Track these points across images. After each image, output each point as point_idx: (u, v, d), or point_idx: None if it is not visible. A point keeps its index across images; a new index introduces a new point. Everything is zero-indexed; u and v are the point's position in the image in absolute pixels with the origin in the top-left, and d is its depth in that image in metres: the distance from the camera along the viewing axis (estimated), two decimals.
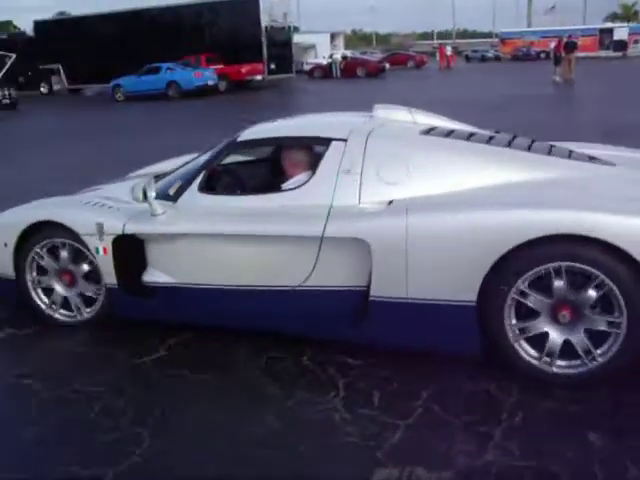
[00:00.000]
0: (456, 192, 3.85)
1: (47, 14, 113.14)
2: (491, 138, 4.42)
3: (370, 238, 3.64)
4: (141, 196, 4.43)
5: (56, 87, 39.51)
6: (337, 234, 3.78)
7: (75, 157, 12.90)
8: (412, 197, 3.83)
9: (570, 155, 4.34)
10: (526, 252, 3.40)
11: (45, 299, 4.71)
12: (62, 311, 4.67)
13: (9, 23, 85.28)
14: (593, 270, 3.31)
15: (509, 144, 4.33)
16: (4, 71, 30.29)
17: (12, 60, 30.67)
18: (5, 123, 22.29)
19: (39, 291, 4.72)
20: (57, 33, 38.62)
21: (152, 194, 4.28)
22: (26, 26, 56.87)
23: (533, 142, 4.52)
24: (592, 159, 4.33)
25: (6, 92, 27.48)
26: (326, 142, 4.16)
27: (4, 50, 31.51)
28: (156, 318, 4.44)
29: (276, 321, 4.10)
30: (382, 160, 4.00)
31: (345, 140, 4.12)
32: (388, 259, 3.63)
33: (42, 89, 39.54)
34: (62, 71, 39.02)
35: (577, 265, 3.33)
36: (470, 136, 4.39)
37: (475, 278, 3.51)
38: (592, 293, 3.38)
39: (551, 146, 4.50)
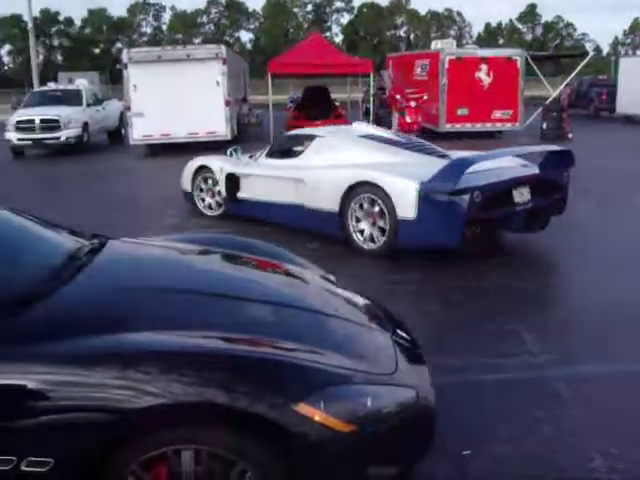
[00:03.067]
0: (347, 163, 8.84)
1: None
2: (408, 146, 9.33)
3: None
4: (228, 154, 10.63)
5: None
6: (308, 180, 9.10)
7: None
8: (325, 164, 9.13)
9: (427, 152, 9.05)
10: (355, 189, 8.28)
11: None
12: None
13: None
14: (376, 198, 7.98)
15: (410, 148, 9.21)
16: None
17: None
18: None
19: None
20: None
21: (229, 153, 10.63)
22: None
23: (424, 146, 9.46)
24: (434, 154, 8.96)
25: None
26: (313, 137, 9.92)
27: None
28: (244, 215, 10.08)
29: (293, 222, 9.42)
30: (331, 145, 9.49)
31: (323, 136, 9.78)
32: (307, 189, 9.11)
33: None
34: None
35: (372, 196, 8.04)
36: (395, 143, 9.38)
37: (337, 199, 8.46)
38: (376, 209, 8.05)
39: (427, 147, 9.43)
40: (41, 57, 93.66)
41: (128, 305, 3.31)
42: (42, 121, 20.40)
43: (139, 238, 4.76)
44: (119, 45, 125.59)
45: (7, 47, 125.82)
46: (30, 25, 39.22)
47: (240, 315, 3.42)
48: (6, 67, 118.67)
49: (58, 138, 20.34)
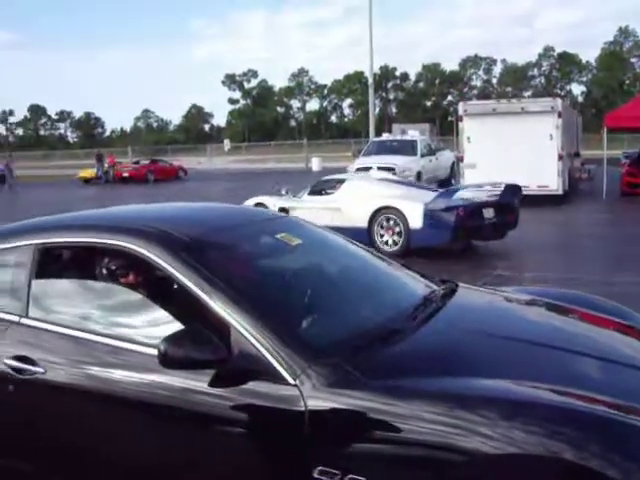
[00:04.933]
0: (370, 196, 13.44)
1: None
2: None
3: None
4: (284, 192, 15.03)
5: None
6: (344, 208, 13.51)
7: None
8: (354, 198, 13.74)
9: (420, 187, 15.02)
10: (380, 212, 12.94)
11: None
12: None
13: None
14: (393, 216, 12.77)
15: (408, 185, 15.04)
16: None
17: None
18: None
19: None
20: None
21: (284, 192, 15.06)
22: None
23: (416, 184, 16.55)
24: (425, 188, 14.71)
25: None
26: (343, 180, 14.75)
27: None
28: None
29: None
30: (357, 185, 14.30)
31: (350, 179, 14.92)
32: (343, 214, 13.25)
33: None
34: None
35: (391, 215, 12.83)
36: (399, 182, 15.18)
37: (366, 219, 12.98)
38: (391, 223, 12.85)
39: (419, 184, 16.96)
40: (377, 109, 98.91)
41: (475, 349, 3.40)
42: (379, 168, 21.57)
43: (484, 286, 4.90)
44: (450, 98, 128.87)
45: (349, 100, 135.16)
46: (370, 81, 41.85)
47: (570, 368, 3.35)
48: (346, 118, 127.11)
49: None
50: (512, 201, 12.60)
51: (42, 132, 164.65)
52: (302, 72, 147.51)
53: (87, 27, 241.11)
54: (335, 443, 2.80)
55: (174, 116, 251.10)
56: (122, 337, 3.29)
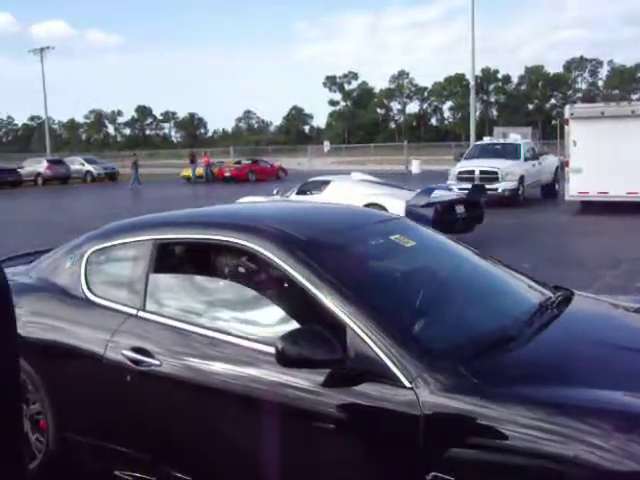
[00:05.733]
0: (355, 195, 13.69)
1: None
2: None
3: None
4: (274, 192, 16.49)
5: None
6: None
7: None
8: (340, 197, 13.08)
9: (397, 187, 15.74)
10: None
11: None
12: None
13: None
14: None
15: (387, 185, 15.96)
16: None
17: None
18: None
19: None
20: None
21: (275, 192, 16.48)
22: None
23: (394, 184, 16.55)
24: (402, 188, 15.46)
25: None
26: (328, 182, 15.84)
27: None
28: None
29: None
30: (341, 186, 15.32)
31: (335, 181, 15.89)
32: None
33: None
34: None
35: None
36: (379, 183, 16.19)
37: None
38: None
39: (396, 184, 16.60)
40: (478, 112, 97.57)
41: (591, 359, 3.29)
42: (482, 172, 21.27)
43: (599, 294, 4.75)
44: (553, 101, 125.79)
45: (449, 103, 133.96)
46: (472, 83, 41.28)
47: None
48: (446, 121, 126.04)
49: (496, 189, 20.90)
50: (478, 199, 14.66)
51: (148, 132, 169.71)
52: (402, 74, 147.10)
53: (191, 30, 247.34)
54: (449, 449, 2.75)
55: (275, 117, 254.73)
56: (237, 333, 3.32)
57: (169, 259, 3.95)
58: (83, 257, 4.02)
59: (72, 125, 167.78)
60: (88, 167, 48.22)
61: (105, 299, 3.83)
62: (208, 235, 3.68)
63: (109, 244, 4.02)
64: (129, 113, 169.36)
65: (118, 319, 3.68)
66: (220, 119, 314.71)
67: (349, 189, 15.16)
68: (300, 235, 3.51)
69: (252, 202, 15.04)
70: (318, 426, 3.03)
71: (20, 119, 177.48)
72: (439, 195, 13.69)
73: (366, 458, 2.98)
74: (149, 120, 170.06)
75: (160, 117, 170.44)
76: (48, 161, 48.04)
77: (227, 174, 43.99)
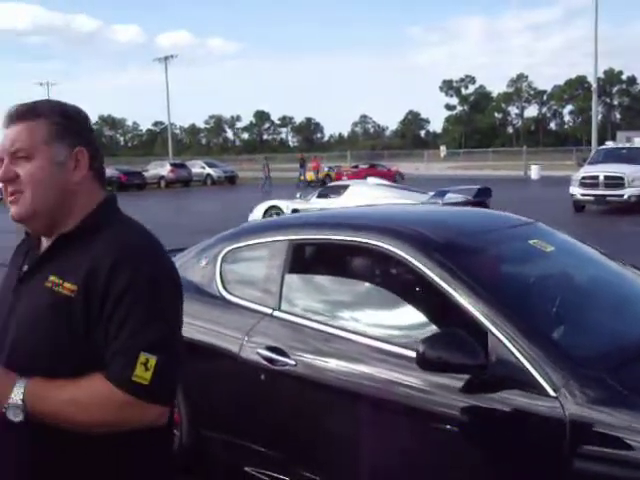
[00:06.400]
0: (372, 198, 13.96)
1: None
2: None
3: None
4: (298, 196, 18.80)
5: None
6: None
7: None
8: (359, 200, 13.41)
9: (411, 190, 17.37)
10: None
11: None
12: None
13: None
14: None
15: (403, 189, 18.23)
16: None
17: None
18: None
19: None
20: None
21: (298, 196, 18.74)
22: None
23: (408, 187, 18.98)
24: (416, 191, 17.10)
25: None
26: (347, 186, 17.95)
27: None
28: None
29: None
30: (360, 190, 16.84)
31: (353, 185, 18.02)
32: None
33: None
34: None
35: None
36: (395, 187, 18.73)
37: None
38: None
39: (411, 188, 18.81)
40: (600, 116, 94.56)
41: None
42: (606, 177, 20.53)
43: None
44: None
45: (569, 107, 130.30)
46: (594, 86, 39.98)
47: None
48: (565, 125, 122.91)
49: (621, 196, 20.22)
50: (484, 200, 15.10)
51: (265, 136, 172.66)
52: (521, 77, 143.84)
53: (308, 36, 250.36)
54: (592, 463, 2.64)
55: (390, 122, 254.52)
56: (374, 336, 3.30)
57: (304, 259, 3.99)
58: (218, 256, 4.10)
59: (193, 130, 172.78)
60: (209, 170, 49.48)
61: (240, 298, 3.89)
62: (344, 236, 3.68)
63: (244, 244, 4.08)
64: (247, 118, 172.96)
65: (253, 318, 3.73)
66: (336, 124, 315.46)
67: (366, 192, 16.28)
68: (437, 237, 3.47)
69: (273, 204, 17.55)
70: (449, 430, 2.98)
71: (145, 125, 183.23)
72: (451, 197, 14.60)
73: (497, 466, 2.92)
74: (267, 125, 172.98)
75: (277, 122, 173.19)
76: (171, 164, 49.64)
77: (344, 178, 44.27)
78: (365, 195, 15.69)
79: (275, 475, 3.62)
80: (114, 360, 1.73)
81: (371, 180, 19.05)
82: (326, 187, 18.40)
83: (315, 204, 16.49)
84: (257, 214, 17.19)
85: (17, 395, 1.70)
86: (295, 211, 15.23)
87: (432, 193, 15.09)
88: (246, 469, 3.76)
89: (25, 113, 1.85)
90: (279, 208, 17.12)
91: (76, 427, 1.73)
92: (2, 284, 2.00)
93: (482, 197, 15.12)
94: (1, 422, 1.73)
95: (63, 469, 1.79)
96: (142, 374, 1.71)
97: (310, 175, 45.37)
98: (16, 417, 1.71)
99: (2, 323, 1.90)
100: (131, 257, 1.79)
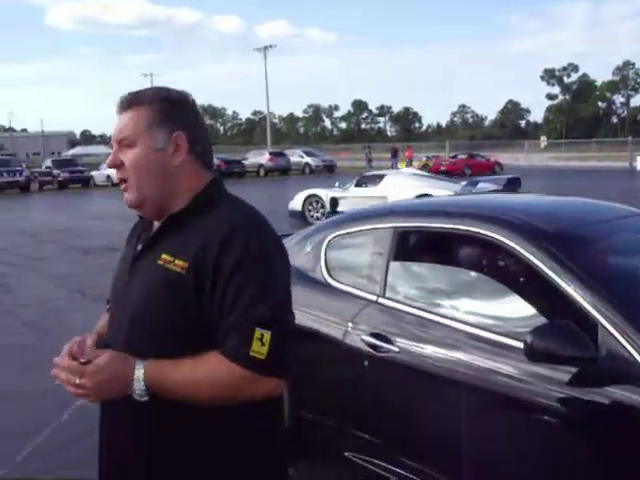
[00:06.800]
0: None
1: None
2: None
3: None
4: (336, 185, 19.10)
5: None
6: (390, 196, 15.74)
7: None
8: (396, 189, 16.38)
9: (443, 180, 18.85)
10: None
11: None
12: None
13: None
14: None
15: (436, 178, 19.38)
16: None
17: None
18: None
19: None
20: None
21: (337, 185, 18.98)
22: None
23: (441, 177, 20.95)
24: (448, 180, 18.87)
25: None
26: (383, 176, 18.51)
27: None
28: None
29: None
30: (396, 179, 17.68)
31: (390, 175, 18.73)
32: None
33: None
34: None
35: None
36: (429, 176, 19.61)
37: None
38: None
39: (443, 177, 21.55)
40: None
41: None
42: None
43: None
44: None
45: None
46: None
47: None
48: None
49: None
50: (514, 189, 15.63)
51: (363, 126, 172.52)
52: (627, 65, 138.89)
53: (406, 25, 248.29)
54: None
55: (490, 111, 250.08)
56: (478, 325, 3.26)
57: (409, 247, 3.98)
58: (323, 243, 4.14)
59: (291, 119, 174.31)
60: (307, 159, 49.80)
61: (345, 285, 3.92)
62: (451, 225, 3.64)
63: (349, 230, 4.11)
64: (345, 107, 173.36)
65: (358, 305, 3.75)
66: (434, 113, 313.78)
67: (402, 182, 17.15)
68: (547, 227, 3.39)
69: (313, 193, 18.25)
70: (551, 423, 2.91)
71: (244, 114, 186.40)
72: (482, 187, 15.03)
73: (603, 464, 2.84)
74: (364, 114, 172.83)
75: (375, 111, 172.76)
76: (270, 153, 50.22)
77: (442, 168, 43.90)
78: (400, 184, 16.70)
79: (375, 461, 3.63)
80: (229, 336, 1.78)
81: (406, 170, 21.44)
82: (363, 177, 18.89)
83: (353, 193, 17.30)
84: (297, 202, 18.11)
85: (139, 377, 1.77)
86: (334, 199, 15.55)
87: (464, 183, 15.88)
88: (346, 454, 3.78)
89: (130, 102, 1.92)
90: (318, 196, 17.83)
91: (194, 403, 1.79)
92: (119, 264, 2.09)
93: (512, 187, 15.91)
94: (119, 402, 1.82)
95: (181, 443, 1.86)
96: (259, 349, 1.75)
97: (403, 164, 45.21)
98: (142, 398, 1.78)
99: (120, 301, 1.98)
100: (240, 233, 1.82)
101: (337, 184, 19.12)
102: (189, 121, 1.94)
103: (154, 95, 1.92)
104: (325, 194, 17.58)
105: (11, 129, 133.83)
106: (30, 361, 6.77)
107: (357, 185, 17.91)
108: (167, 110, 1.90)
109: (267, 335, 1.76)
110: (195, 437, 1.85)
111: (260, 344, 1.75)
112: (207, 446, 1.86)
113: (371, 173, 20.05)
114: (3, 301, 10.08)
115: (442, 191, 15.12)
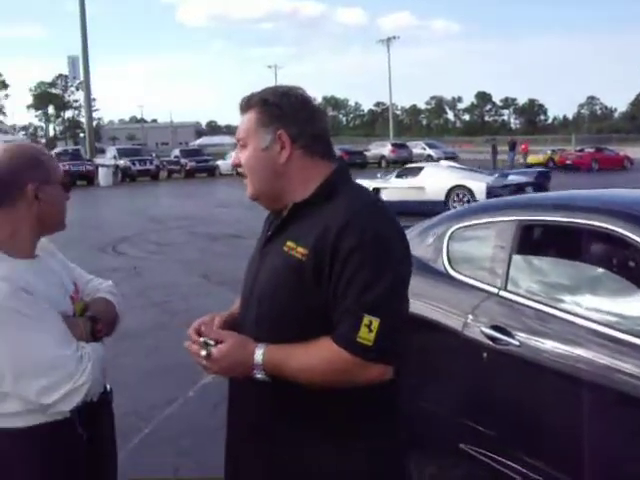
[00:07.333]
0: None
1: None
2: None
3: None
4: (378, 176, 21.60)
5: None
6: (427, 186, 19.06)
7: None
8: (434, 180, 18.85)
9: (477, 172, 20.15)
10: (453, 189, 18.38)
11: None
12: None
13: None
14: (464, 192, 18.30)
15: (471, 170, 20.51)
16: None
17: None
18: None
19: None
20: None
21: (379, 175, 21.67)
22: None
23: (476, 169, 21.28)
24: (481, 172, 20.24)
25: None
26: (422, 168, 20.49)
27: None
28: None
29: (413, 208, 16.59)
30: (434, 171, 19.76)
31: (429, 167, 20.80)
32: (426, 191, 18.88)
33: None
34: None
35: (461, 191, 18.56)
36: (464, 169, 20.85)
37: (443, 194, 18.30)
38: (461, 196, 18.49)
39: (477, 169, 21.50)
40: None
41: None
42: None
43: None
44: None
45: None
46: None
47: None
48: None
49: None
50: (544, 182, 17.62)
51: (486, 118, 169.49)
52: None
53: (530, 16, 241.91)
54: None
55: (620, 103, 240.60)
56: (602, 321, 3.20)
57: (533, 241, 3.95)
58: (445, 234, 4.16)
59: (413, 111, 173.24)
60: (429, 151, 49.54)
61: (466, 276, 3.93)
62: (575, 219, 3.58)
63: (472, 223, 4.11)
64: (469, 99, 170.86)
65: (479, 297, 3.75)
66: (561, 105, 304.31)
67: (439, 173, 19.05)
68: None
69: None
70: None
71: (366, 105, 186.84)
72: (513, 179, 17.61)
73: None
74: (488, 106, 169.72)
75: (499, 103, 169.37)
76: (392, 145, 50.20)
77: (568, 162, 42.68)
78: (438, 176, 18.65)
79: (490, 455, 3.60)
80: (341, 321, 1.86)
81: (444, 163, 22.57)
82: (404, 168, 21.12)
83: (394, 184, 19.31)
84: None
85: (258, 362, 1.89)
86: (376, 190, 17.41)
87: (496, 175, 18.27)
88: (460, 446, 3.78)
89: (244, 104, 2.06)
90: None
91: (307, 386, 1.89)
92: (255, 248, 2.21)
93: (541, 179, 18.14)
94: (242, 381, 1.96)
95: (302, 424, 1.96)
96: (366, 336, 1.82)
97: (518, 158, 44.42)
98: (264, 379, 1.91)
99: (251, 283, 2.10)
100: (359, 218, 1.89)
101: (379, 175, 21.30)
102: (291, 118, 1.99)
103: (261, 97, 2.02)
104: (367, 185, 18.61)
105: (142, 120, 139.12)
106: (161, 338, 7.24)
107: (398, 176, 19.85)
108: (269, 111, 1.99)
109: (375, 322, 1.82)
110: (313, 418, 1.94)
111: (368, 330, 1.82)
112: (325, 427, 1.94)
113: (411, 165, 22.49)
114: (135, 284, 10.59)
115: (476, 182, 17.59)
